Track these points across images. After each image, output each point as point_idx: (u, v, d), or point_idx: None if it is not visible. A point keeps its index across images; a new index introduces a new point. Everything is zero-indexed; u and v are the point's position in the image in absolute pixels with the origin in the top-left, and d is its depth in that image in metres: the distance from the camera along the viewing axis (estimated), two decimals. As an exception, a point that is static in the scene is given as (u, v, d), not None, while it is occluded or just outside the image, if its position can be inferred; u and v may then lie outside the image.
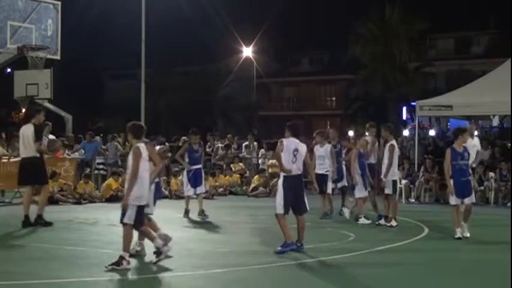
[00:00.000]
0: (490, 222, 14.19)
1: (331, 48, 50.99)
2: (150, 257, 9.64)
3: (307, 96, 54.97)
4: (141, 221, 8.78)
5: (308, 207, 10.17)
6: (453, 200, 11.23)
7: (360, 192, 13.68)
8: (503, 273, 8.37)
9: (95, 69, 51.87)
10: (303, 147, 10.07)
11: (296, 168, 9.95)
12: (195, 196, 14.49)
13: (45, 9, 20.43)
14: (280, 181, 10.04)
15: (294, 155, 9.91)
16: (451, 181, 11.18)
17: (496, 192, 17.83)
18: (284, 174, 9.90)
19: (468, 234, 11.29)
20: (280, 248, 9.79)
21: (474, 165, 17.10)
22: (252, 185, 20.88)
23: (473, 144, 17.05)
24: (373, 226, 13.13)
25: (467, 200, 11.30)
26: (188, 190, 14.36)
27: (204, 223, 13.36)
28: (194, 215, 14.58)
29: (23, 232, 12.05)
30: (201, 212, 14.09)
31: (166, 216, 14.77)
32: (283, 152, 9.95)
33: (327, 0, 50.18)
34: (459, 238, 11.10)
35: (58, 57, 20.85)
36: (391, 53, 43.03)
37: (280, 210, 9.92)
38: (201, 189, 14.46)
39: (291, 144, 10.01)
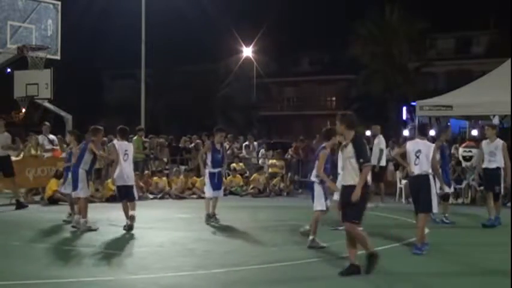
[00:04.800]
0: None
1: (331, 48, 50.93)
2: (151, 257, 9.66)
3: (307, 96, 54.94)
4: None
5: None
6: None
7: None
8: (503, 273, 8.37)
9: (95, 69, 51.79)
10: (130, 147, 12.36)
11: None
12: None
13: (45, 9, 20.40)
14: None
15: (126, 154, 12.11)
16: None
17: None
18: None
19: None
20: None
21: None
22: (252, 184, 20.88)
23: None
24: (373, 226, 13.09)
25: None
26: (211, 193, 13.53)
27: (203, 223, 13.31)
28: (194, 215, 14.58)
29: (22, 232, 12.05)
30: (213, 215, 13.51)
31: (167, 216, 14.81)
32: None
33: (327, 0, 50.17)
34: None
35: (58, 57, 20.84)
36: (391, 53, 43.07)
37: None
38: (220, 193, 13.85)
39: (121, 146, 12.15)
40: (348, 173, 8.39)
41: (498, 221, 13.05)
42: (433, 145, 10.38)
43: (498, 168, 13.11)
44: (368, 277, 8.33)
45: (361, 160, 8.26)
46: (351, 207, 8.30)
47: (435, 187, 10.20)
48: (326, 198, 10.49)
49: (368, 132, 22.59)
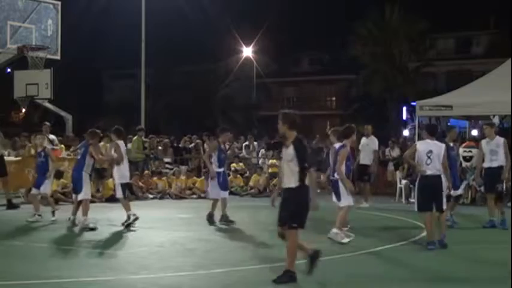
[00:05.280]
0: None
1: (331, 48, 50.97)
2: (151, 257, 9.66)
3: (307, 96, 54.91)
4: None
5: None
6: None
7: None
8: (503, 273, 8.37)
9: (95, 69, 51.82)
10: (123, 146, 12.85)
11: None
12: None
13: (45, 9, 20.43)
14: None
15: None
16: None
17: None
18: None
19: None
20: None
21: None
22: (250, 184, 20.92)
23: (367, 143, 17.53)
24: (373, 226, 13.10)
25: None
26: (219, 193, 13.35)
27: (204, 223, 13.29)
28: (194, 215, 14.58)
29: (22, 232, 12.06)
30: (225, 217, 13.33)
31: (167, 216, 14.81)
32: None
33: (327, 0, 50.19)
34: None
35: (58, 57, 20.86)
36: (391, 53, 43.09)
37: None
38: (226, 193, 13.67)
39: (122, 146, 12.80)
40: (287, 175, 7.82)
41: (504, 225, 12.56)
42: (444, 145, 10.52)
43: (501, 167, 12.84)
44: (370, 277, 8.34)
45: (306, 165, 7.70)
46: (288, 211, 7.74)
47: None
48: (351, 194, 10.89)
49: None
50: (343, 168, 10.75)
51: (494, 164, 12.90)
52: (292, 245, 7.77)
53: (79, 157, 12.93)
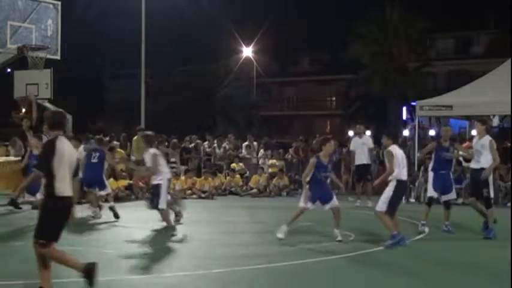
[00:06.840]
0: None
1: (331, 48, 50.97)
2: (151, 257, 9.66)
3: (307, 96, 54.95)
4: None
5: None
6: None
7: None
8: (503, 273, 8.37)
9: (95, 69, 51.80)
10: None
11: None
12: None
13: (45, 9, 20.40)
14: None
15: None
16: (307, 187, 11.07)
17: (496, 192, 17.75)
18: None
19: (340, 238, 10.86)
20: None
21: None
22: (250, 184, 20.94)
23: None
24: (373, 226, 13.08)
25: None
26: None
27: (204, 223, 13.31)
28: (194, 215, 14.60)
29: (22, 232, 12.04)
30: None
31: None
32: None
33: (327, 0, 50.21)
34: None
35: (58, 57, 20.83)
36: (391, 53, 43.07)
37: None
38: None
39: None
40: None
41: (488, 233, 11.46)
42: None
43: (483, 169, 11.58)
44: (369, 277, 8.34)
45: (40, 169, 6.85)
46: (37, 224, 6.92)
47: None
48: (310, 199, 11.01)
49: (368, 132, 22.60)
50: (308, 178, 11.04)
51: (477, 166, 11.77)
52: (56, 260, 7.10)
53: (96, 160, 14.03)
